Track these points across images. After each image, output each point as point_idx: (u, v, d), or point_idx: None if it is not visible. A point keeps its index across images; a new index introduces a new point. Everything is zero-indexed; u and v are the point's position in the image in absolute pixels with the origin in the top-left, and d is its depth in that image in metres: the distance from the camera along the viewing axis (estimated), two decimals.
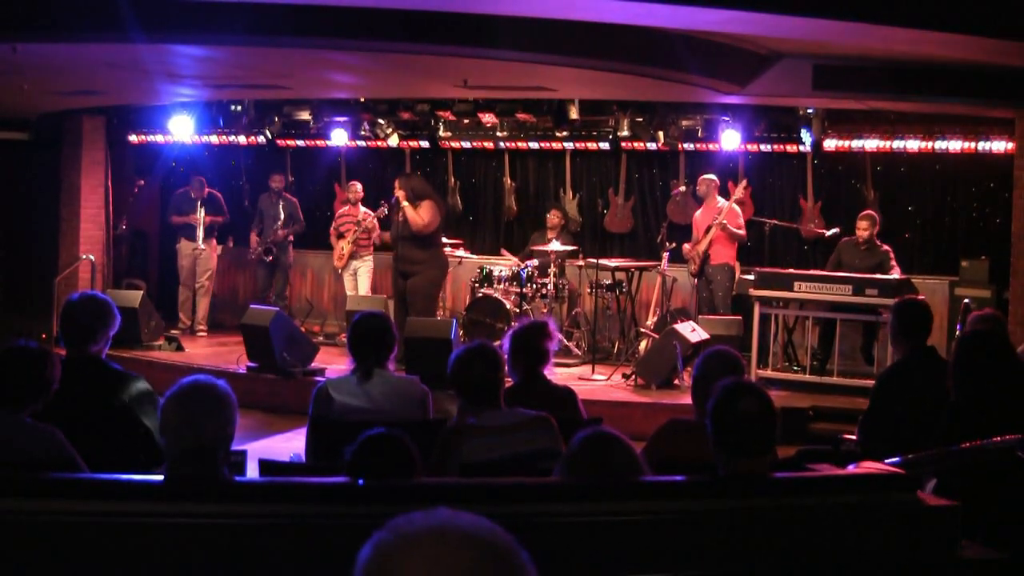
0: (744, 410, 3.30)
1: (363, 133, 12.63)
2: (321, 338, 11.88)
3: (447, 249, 11.31)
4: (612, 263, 11.24)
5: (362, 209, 12.01)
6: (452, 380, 4.38)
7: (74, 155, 13.02)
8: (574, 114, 11.41)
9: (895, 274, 9.79)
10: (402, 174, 11.24)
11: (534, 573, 1.32)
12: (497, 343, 4.86)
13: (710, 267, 10.82)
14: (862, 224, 10.16)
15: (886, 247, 10.19)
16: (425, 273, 10.10)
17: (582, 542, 3.06)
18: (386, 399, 4.85)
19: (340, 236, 12.07)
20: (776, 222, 11.14)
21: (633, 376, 9.88)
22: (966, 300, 8.50)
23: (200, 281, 12.39)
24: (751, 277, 10.20)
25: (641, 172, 12.43)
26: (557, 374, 5.42)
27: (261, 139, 12.96)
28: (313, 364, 9.96)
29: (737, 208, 10.99)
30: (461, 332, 10.20)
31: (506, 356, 4.83)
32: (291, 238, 12.50)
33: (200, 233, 12.21)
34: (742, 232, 10.86)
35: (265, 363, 9.87)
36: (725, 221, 10.68)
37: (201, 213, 12.19)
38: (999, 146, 10.48)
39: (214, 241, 12.49)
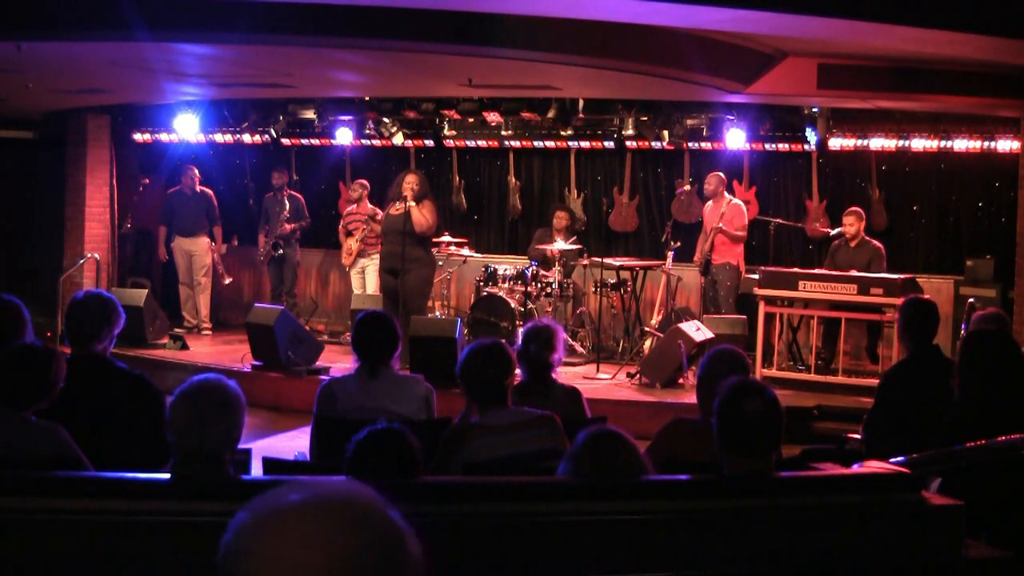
0: (750, 409, 3.30)
1: (368, 132, 12.63)
2: (325, 337, 11.89)
3: (451, 248, 11.34)
4: (617, 262, 11.24)
5: (370, 206, 11.94)
6: (461, 377, 4.38)
7: (79, 153, 13.04)
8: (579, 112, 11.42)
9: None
10: (415, 171, 11.04)
11: (409, 539, 1.26)
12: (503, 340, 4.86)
13: (714, 267, 10.84)
14: (848, 220, 10.23)
15: (877, 244, 10.21)
16: (419, 271, 10.02)
17: (586, 541, 3.06)
18: (390, 397, 4.86)
19: (349, 234, 12.05)
20: (781, 221, 11.12)
21: (638, 375, 9.88)
22: (971, 299, 8.49)
23: (196, 278, 12.37)
24: (756, 276, 10.20)
25: (646, 171, 12.42)
26: (562, 373, 5.41)
27: (266, 138, 12.96)
28: (317, 363, 9.97)
29: (743, 207, 10.99)
30: (466, 331, 10.20)
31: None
32: (297, 234, 12.49)
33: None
34: (742, 234, 10.87)
35: (270, 361, 9.89)
36: (723, 225, 10.73)
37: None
38: (1005, 145, 10.46)
39: (206, 236, 12.48)
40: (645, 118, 11.50)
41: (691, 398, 5.08)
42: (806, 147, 11.28)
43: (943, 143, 10.80)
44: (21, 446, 3.69)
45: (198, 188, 12.43)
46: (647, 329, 10.86)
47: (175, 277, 12.59)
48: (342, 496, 1.26)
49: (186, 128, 12.64)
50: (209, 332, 12.41)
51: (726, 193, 11.02)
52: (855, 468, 3.61)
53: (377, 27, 7.40)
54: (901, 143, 10.96)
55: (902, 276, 9.65)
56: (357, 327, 5.01)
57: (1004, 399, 4.34)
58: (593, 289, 11.31)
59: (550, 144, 12.40)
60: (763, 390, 3.39)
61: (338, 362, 10.09)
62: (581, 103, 11.43)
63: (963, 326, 7.85)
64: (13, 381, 3.84)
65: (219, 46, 8.19)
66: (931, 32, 6.50)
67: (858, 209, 10.38)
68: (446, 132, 12.54)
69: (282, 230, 12.31)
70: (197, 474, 3.12)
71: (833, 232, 10.73)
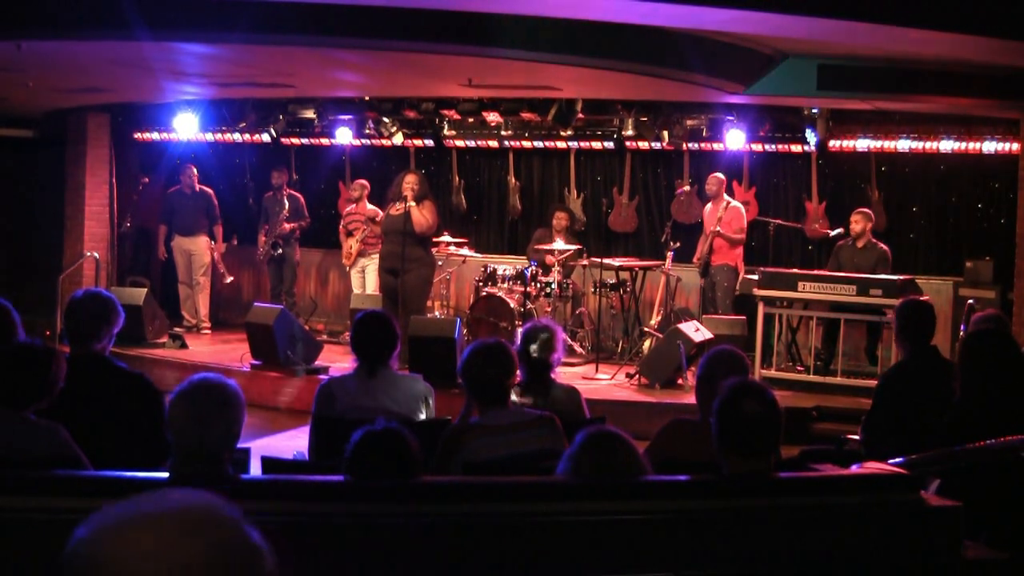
0: (749, 410, 3.30)
1: (368, 132, 12.63)
2: (325, 336, 11.89)
3: (451, 248, 11.34)
4: (616, 262, 11.24)
5: (369, 207, 11.93)
6: (462, 376, 4.39)
7: (79, 152, 13.05)
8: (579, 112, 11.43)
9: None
10: (415, 171, 11.02)
11: (262, 555, 1.23)
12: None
13: (712, 268, 10.85)
14: (855, 219, 10.21)
15: (884, 247, 10.20)
16: (419, 271, 10.01)
17: (585, 541, 3.06)
18: (389, 397, 4.86)
19: (349, 235, 12.04)
20: (780, 222, 11.13)
21: (637, 376, 9.88)
22: (970, 301, 8.49)
23: (196, 278, 12.37)
24: (755, 277, 10.20)
25: (645, 171, 12.42)
26: (561, 373, 5.41)
27: (265, 137, 12.96)
28: (316, 362, 9.97)
29: (741, 210, 10.99)
30: (466, 331, 10.21)
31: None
32: (297, 234, 12.48)
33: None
34: (740, 236, 10.87)
35: (269, 361, 9.89)
36: (720, 228, 10.73)
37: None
38: (1004, 146, 10.47)
39: (205, 236, 12.48)
40: (645, 118, 11.50)
41: (690, 398, 5.07)
42: (806, 148, 11.28)
43: (942, 144, 10.80)
44: (21, 446, 3.69)
45: (197, 187, 12.43)
46: (646, 329, 10.87)
47: (174, 276, 12.59)
48: (187, 508, 1.22)
49: (186, 127, 12.64)
50: (208, 331, 12.41)
51: (725, 195, 11.01)
52: (854, 469, 3.61)
53: (377, 27, 7.40)
54: (900, 144, 10.96)
55: (901, 277, 9.65)
56: (356, 327, 5.01)
57: (1005, 399, 4.34)
58: (592, 289, 11.31)
59: (550, 144, 12.41)
60: (762, 391, 3.39)
61: (337, 362, 10.09)
62: (581, 103, 11.44)
63: (962, 327, 7.86)
64: (13, 381, 3.83)
65: (219, 46, 8.19)
66: (931, 34, 6.50)
67: (867, 210, 10.35)
68: (446, 132, 12.54)
69: (281, 229, 12.31)
70: (196, 473, 3.12)
71: (833, 233, 10.73)
